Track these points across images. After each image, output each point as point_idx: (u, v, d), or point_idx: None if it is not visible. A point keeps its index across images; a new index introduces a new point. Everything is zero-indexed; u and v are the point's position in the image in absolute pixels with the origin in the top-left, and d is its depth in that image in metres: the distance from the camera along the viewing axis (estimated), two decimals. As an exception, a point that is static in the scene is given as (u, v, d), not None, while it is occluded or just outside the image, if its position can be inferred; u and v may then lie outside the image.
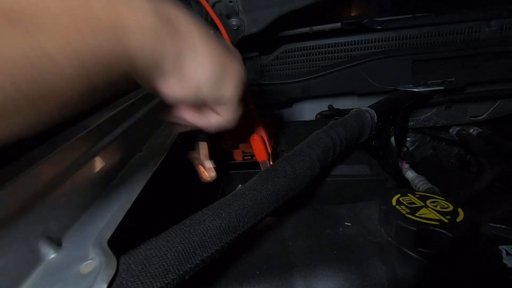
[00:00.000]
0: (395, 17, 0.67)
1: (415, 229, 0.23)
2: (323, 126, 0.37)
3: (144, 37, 0.18)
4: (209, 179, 0.40)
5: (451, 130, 0.68)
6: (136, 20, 0.18)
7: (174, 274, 0.18)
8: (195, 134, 0.42)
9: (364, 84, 0.63)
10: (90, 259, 0.17)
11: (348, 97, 0.67)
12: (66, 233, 0.20)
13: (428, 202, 0.27)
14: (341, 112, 0.64)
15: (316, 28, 0.68)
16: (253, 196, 0.25)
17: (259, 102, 0.68)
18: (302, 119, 0.70)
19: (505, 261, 0.31)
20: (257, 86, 0.66)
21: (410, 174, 0.63)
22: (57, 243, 0.18)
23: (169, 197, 0.39)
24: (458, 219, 0.24)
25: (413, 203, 0.27)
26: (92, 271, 0.16)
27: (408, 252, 0.24)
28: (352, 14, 0.80)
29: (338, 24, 0.67)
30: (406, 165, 0.67)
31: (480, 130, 0.66)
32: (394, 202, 0.27)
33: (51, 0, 0.14)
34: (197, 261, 0.19)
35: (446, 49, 0.61)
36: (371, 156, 0.43)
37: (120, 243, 0.19)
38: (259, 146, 0.41)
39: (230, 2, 0.56)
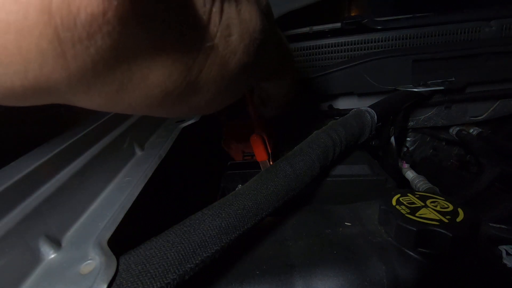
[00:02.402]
0: (395, 17, 0.67)
1: (415, 229, 0.23)
2: (323, 126, 0.37)
3: None
4: None
5: (451, 130, 0.68)
6: None
7: (174, 274, 0.18)
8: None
9: (364, 84, 0.63)
10: (90, 259, 0.17)
11: (348, 97, 0.67)
12: (66, 233, 0.20)
13: (428, 202, 0.27)
14: (341, 112, 0.64)
15: (316, 28, 0.68)
16: (253, 196, 0.25)
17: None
18: (302, 119, 0.70)
19: (505, 261, 0.31)
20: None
21: (410, 174, 0.63)
22: (57, 243, 0.18)
23: (169, 197, 0.39)
24: (458, 219, 0.24)
25: (413, 203, 0.27)
26: (92, 271, 0.16)
27: (408, 252, 0.24)
28: (352, 14, 0.81)
29: (338, 24, 0.67)
30: (406, 165, 0.67)
31: (480, 130, 0.66)
32: (394, 202, 0.27)
33: None
34: (197, 261, 0.19)
35: (446, 49, 0.61)
36: (371, 156, 0.43)
37: (120, 243, 0.19)
38: (259, 146, 0.41)
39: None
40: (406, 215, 0.25)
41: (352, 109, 0.45)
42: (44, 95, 0.13)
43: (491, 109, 0.65)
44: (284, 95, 0.39)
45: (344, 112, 0.63)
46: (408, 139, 0.74)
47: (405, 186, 0.62)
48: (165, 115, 0.21)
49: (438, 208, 0.26)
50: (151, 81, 0.16)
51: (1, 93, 0.12)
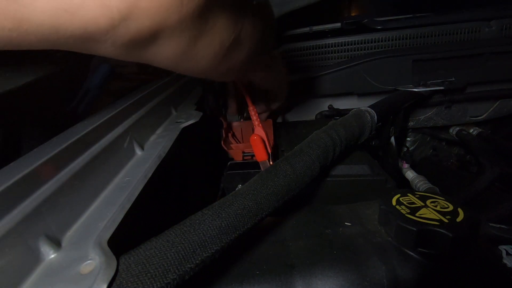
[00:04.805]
0: (395, 17, 0.67)
1: (415, 229, 0.23)
2: (323, 126, 0.37)
3: None
4: None
5: (451, 130, 0.68)
6: None
7: (174, 274, 0.18)
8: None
9: (364, 84, 0.63)
10: (90, 259, 0.17)
11: (348, 97, 0.67)
12: (66, 233, 0.20)
13: (428, 202, 0.27)
14: (341, 112, 0.64)
15: (316, 28, 0.68)
16: (253, 196, 0.25)
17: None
18: (302, 119, 0.70)
19: (505, 261, 0.31)
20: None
21: (410, 174, 0.63)
22: (57, 243, 0.18)
23: (169, 197, 0.39)
24: (458, 219, 0.24)
25: (413, 203, 0.27)
26: (92, 271, 0.16)
27: (408, 252, 0.24)
28: (352, 14, 0.81)
29: (338, 24, 0.67)
30: (406, 165, 0.67)
31: (480, 130, 0.66)
32: (394, 202, 0.27)
33: None
34: (197, 261, 0.19)
35: (446, 49, 0.61)
36: (371, 156, 0.43)
37: (120, 243, 0.19)
38: (259, 146, 0.41)
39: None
40: (406, 215, 0.25)
41: (352, 109, 0.45)
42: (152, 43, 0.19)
43: (491, 109, 0.65)
44: (274, 86, 0.46)
45: (344, 112, 0.63)
46: (408, 139, 0.74)
47: (405, 186, 0.62)
48: (209, 75, 0.28)
49: (438, 208, 0.26)
50: (216, 30, 0.22)
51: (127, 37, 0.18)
